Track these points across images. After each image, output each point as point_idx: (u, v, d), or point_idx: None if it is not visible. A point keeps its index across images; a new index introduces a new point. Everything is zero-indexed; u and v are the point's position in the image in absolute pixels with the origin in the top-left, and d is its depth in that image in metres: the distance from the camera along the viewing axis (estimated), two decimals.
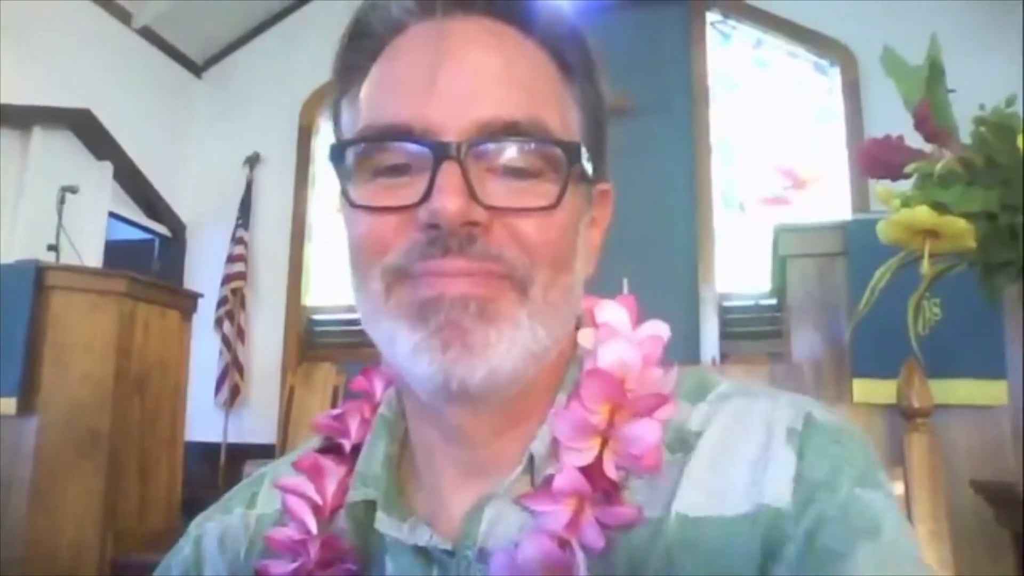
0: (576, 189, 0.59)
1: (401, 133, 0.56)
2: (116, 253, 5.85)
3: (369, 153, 0.58)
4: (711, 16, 6.27)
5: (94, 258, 5.46)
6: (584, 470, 0.55)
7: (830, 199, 5.83)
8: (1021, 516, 1.31)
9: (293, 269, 6.57)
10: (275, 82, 6.86)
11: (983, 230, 1.30)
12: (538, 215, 0.56)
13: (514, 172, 0.56)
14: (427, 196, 0.54)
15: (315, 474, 0.63)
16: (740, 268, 5.62)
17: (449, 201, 0.52)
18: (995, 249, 1.33)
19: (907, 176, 1.49)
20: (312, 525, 0.61)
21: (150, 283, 4.19)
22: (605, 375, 0.57)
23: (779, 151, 6.02)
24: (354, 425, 0.66)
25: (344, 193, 0.59)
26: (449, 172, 0.53)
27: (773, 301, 3.07)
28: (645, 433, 0.55)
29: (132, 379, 3.96)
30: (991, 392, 2.23)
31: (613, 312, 0.62)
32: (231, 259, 6.38)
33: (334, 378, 6.02)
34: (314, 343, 6.51)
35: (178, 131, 6.67)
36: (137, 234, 6.44)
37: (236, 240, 6.43)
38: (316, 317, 6.61)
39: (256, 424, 6.20)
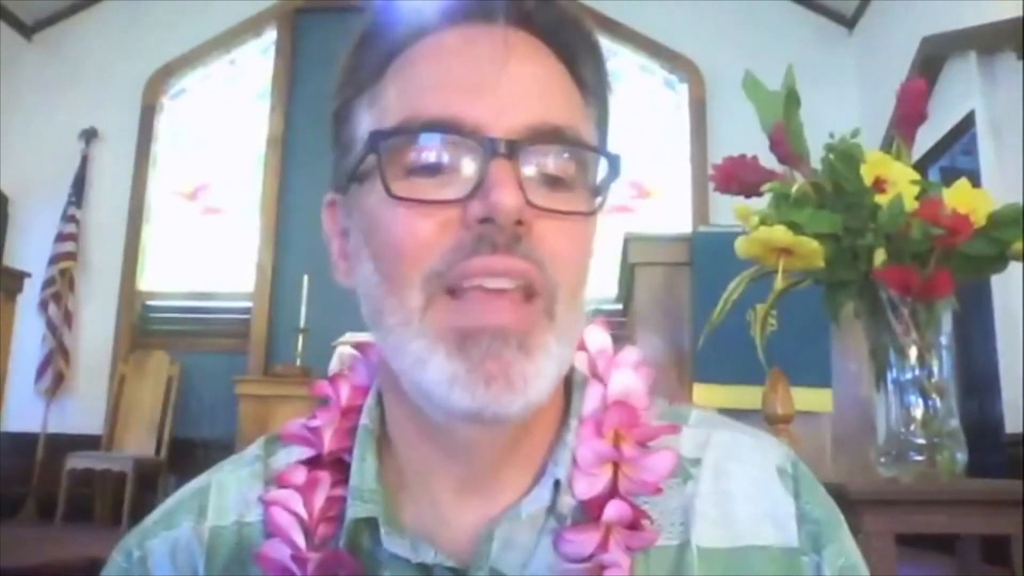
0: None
1: (449, 127, 0.54)
2: None
3: (407, 146, 0.55)
4: None
5: None
6: (604, 495, 0.57)
7: (673, 210, 6.08)
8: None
9: (129, 252, 6.25)
10: (116, 54, 6.52)
11: (830, 250, 1.40)
12: (573, 226, 0.56)
13: (550, 181, 0.55)
14: (477, 191, 0.52)
15: (303, 488, 0.60)
16: None
17: (507, 195, 0.51)
18: (839, 269, 1.43)
19: (760, 194, 1.58)
20: (301, 542, 0.58)
21: None
22: (626, 407, 0.59)
23: (627, 162, 6.19)
24: (327, 435, 0.63)
25: (385, 188, 0.54)
26: (502, 167, 0.52)
27: (618, 306, 3.16)
28: (661, 463, 0.58)
29: None
30: (818, 400, 2.39)
31: (600, 337, 0.63)
32: (61, 238, 6.01)
33: (168, 367, 5.80)
34: (148, 330, 6.23)
35: (2, 97, 6.21)
36: None
37: (67, 218, 6.06)
38: (151, 303, 6.32)
39: (81, 414, 5.86)
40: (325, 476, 0.61)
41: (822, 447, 2.40)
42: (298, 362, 5.69)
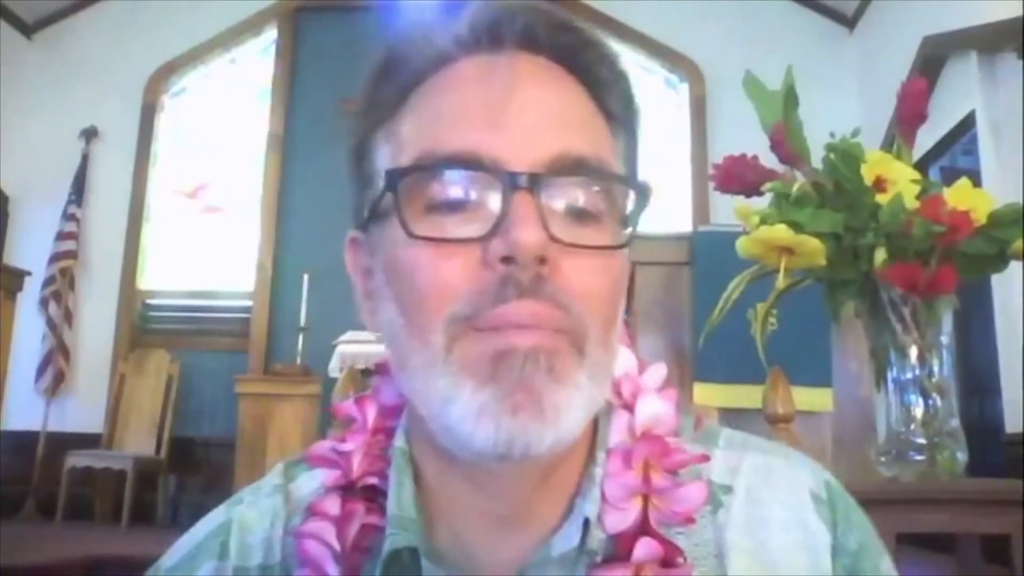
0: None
1: (469, 162, 0.52)
2: None
3: (425, 183, 0.53)
4: None
5: None
6: (635, 529, 0.55)
7: (673, 209, 6.07)
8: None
9: (129, 250, 6.25)
10: (117, 53, 6.52)
11: (831, 249, 1.40)
12: (600, 260, 0.53)
13: (576, 214, 0.53)
14: (498, 228, 0.50)
15: (338, 519, 0.59)
16: None
17: (527, 232, 0.49)
18: (840, 268, 1.43)
19: (760, 193, 1.58)
20: (335, 574, 0.57)
21: None
22: (654, 439, 0.57)
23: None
24: (357, 460, 0.61)
25: (403, 227, 0.52)
26: (524, 202, 0.50)
27: None
28: (694, 495, 0.56)
29: None
30: (818, 399, 2.39)
31: (624, 359, 0.61)
32: (61, 236, 6.01)
33: (168, 366, 5.80)
34: (148, 329, 6.23)
35: (2, 95, 6.21)
36: None
37: (68, 217, 6.06)
38: (151, 301, 6.33)
39: (81, 412, 5.86)
40: (360, 507, 0.59)
41: (822, 447, 2.40)
42: (298, 361, 5.68)
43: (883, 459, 1.52)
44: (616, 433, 0.59)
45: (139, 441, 5.57)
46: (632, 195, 0.57)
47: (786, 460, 0.62)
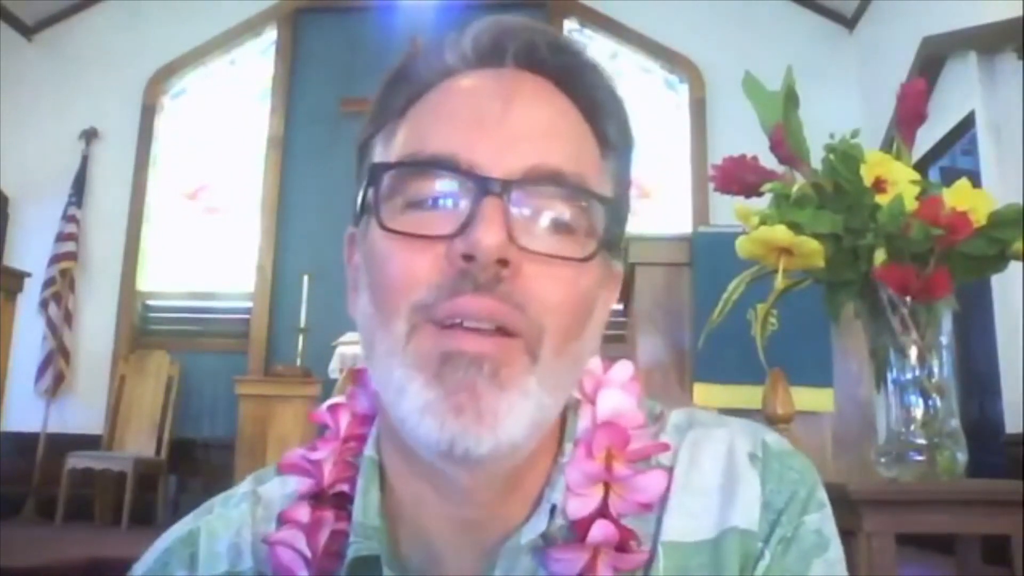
0: (603, 257, 0.58)
1: (446, 164, 0.54)
2: None
3: (406, 181, 0.55)
4: (569, 24, 6.40)
5: None
6: (594, 515, 0.57)
7: (673, 210, 6.08)
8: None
9: (129, 252, 6.26)
10: (117, 55, 6.53)
11: (830, 250, 1.40)
12: (565, 271, 0.55)
13: (548, 224, 0.55)
14: (465, 227, 0.52)
15: (307, 527, 0.60)
16: None
17: (488, 234, 0.51)
18: (840, 268, 1.43)
19: (760, 194, 1.58)
20: None
21: None
22: (615, 427, 0.59)
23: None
24: (328, 468, 0.62)
25: (377, 220, 0.55)
26: (491, 207, 0.52)
27: (619, 307, 3.16)
28: (654, 483, 0.58)
29: None
30: (819, 400, 2.40)
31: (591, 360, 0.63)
32: (61, 238, 6.01)
33: (168, 367, 5.80)
34: (148, 330, 6.24)
35: (2, 96, 6.22)
36: None
37: (67, 218, 6.07)
38: (152, 303, 6.34)
39: (81, 414, 5.87)
40: (329, 514, 0.60)
41: (822, 447, 2.40)
42: (298, 362, 5.69)
43: (883, 459, 1.52)
44: (581, 425, 0.61)
45: (139, 442, 5.57)
46: (608, 213, 0.58)
47: (727, 429, 0.63)
